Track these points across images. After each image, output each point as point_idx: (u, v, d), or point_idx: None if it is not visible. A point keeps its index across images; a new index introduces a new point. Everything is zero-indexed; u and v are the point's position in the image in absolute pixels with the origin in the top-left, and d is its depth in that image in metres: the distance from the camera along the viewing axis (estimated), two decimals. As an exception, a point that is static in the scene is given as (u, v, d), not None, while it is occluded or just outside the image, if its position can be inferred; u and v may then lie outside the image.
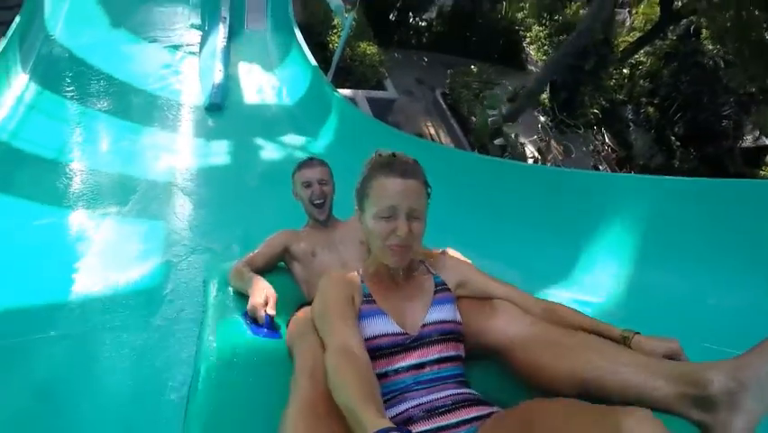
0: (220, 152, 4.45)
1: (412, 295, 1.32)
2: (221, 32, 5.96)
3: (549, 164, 9.89)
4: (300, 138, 4.98)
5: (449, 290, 1.37)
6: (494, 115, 7.73)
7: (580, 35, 7.58)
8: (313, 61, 5.77)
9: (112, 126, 4.41)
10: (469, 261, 1.52)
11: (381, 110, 7.21)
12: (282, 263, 2.01)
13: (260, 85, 5.88)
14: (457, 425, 1.08)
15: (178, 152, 4.32)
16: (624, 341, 1.16)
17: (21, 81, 4.55)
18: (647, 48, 12.83)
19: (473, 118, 8.28)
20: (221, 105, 5.04)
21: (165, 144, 4.38)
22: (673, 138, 13.88)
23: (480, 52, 10.29)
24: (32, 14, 5.24)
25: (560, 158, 10.25)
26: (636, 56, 12.81)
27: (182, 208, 3.57)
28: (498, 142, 7.40)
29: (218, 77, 5.19)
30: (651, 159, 13.28)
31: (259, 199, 3.85)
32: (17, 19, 4.76)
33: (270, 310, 1.56)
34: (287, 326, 1.59)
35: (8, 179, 3.43)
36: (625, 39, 12.52)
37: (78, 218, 3.21)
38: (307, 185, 1.98)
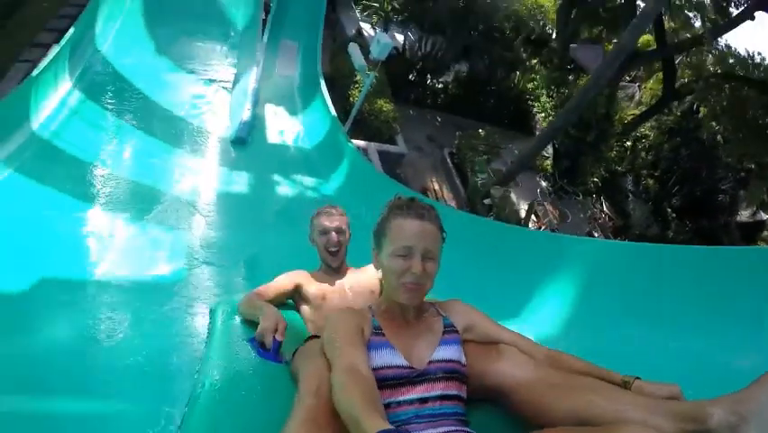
0: (240, 182, 4.93)
1: (421, 333, 1.36)
2: (254, 73, 6.51)
3: (544, 228, 10.35)
4: (312, 180, 5.45)
5: (457, 332, 1.41)
6: (483, 178, 8.36)
7: (569, 112, 8.24)
8: (333, 111, 6.31)
9: (145, 143, 4.91)
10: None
11: (391, 163, 7.78)
12: (291, 301, 2.08)
13: (283, 126, 6.44)
14: None
15: (202, 176, 4.80)
16: (625, 385, 1.19)
17: (66, 87, 5.05)
18: (652, 122, 13.42)
19: (482, 176, 8.87)
20: (245, 140, 5.56)
21: (191, 167, 4.87)
22: (670, 210, 14.31)
23: (491, 116, 10.95)
24: (85, 28, 5.78)
25: (555, 222, 10.68)
26: (642, 129, 13.39)
27: (199, 226, 4.01)
28: (486, 201, 7.89)
29: (246, 114, 5.71)
30: (647, 228, 13.62)
31: (268, 228, 4.28)
32: (71, 30, 5.29)
33: (279, 336, 1.59)
34: (293, 355, 1.61)
35: (47, 173, 3.91)
36: (632, 112, 13.12)
37: (106, 216, 3.71)
38: (324, 232, 2.04)
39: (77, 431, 1.95)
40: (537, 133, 11.77)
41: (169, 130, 5.30)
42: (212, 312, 1.95)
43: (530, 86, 11.32)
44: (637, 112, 13.08)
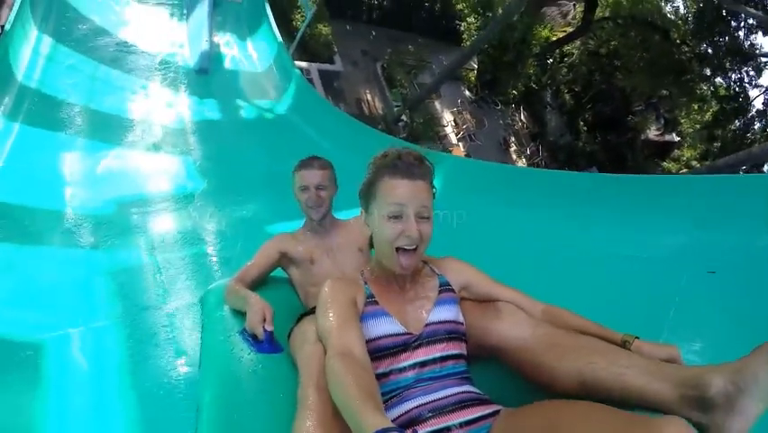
0: (209, 108, 6.08)
1: (416, 296, 1.38)
2: (206, 2, 7.32)
3: (462, 133, 12.38)
4: (265, 102, 6.75)
5: (453, 290, 1.42)
6: (398, 105, 10.37)
7: (482, 39, 9.89)
8: (279, 38, 7.45)
9: (119, 79, 5.80)
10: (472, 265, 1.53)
11: (330, 79, 9.22)
12: (280, 269, 2.04)
13: (236, 53, 7.57)
14: (462, 425, 1.15)
15: (174, 107, 5.87)
16: (624, 345, 1.21)
17: (34, 35, 5.48)
18: (578, 43, 15.30)
19: (403, 91, 10.59)
20: (208, 70, 6.74)
21: (162, 98, 5.92)
22: (582, 123, 16.76)
23: (423, 29, 12.37)
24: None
25: (471, 128, 12.72)
26: (569, 47, 15.26)
27: (181, 147, 5.18)
28: (400, 123, 10.05)
29: (205, 44, 6.78)
30: (561, 137, 16.17)
31: (235, 144, 5.56)
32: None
33: (269, 326, 1.58)
34: (288, 337, 1.63)
35: (46, 119, 4.65)
36: (563, 29, 14.88)
37: (97, 147, 4.50)
38: (305, 189, 1.95)
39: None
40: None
41: (140, 63, 6.22)
42: (202, 302, 1.96)
43: (459, 6, 12.64)
44: (569, 29, 14.86)
